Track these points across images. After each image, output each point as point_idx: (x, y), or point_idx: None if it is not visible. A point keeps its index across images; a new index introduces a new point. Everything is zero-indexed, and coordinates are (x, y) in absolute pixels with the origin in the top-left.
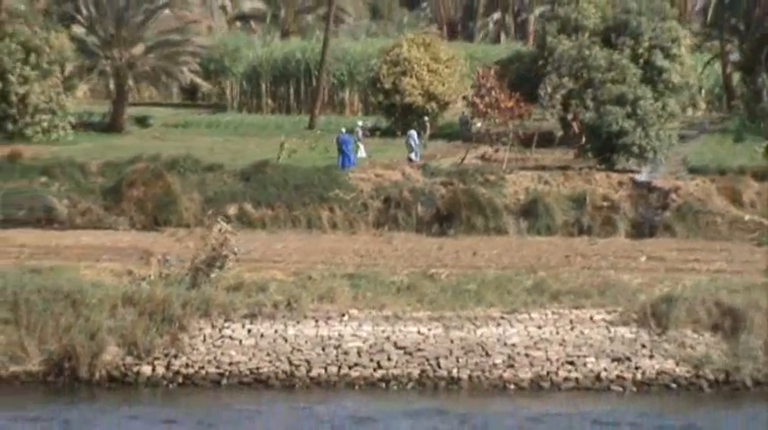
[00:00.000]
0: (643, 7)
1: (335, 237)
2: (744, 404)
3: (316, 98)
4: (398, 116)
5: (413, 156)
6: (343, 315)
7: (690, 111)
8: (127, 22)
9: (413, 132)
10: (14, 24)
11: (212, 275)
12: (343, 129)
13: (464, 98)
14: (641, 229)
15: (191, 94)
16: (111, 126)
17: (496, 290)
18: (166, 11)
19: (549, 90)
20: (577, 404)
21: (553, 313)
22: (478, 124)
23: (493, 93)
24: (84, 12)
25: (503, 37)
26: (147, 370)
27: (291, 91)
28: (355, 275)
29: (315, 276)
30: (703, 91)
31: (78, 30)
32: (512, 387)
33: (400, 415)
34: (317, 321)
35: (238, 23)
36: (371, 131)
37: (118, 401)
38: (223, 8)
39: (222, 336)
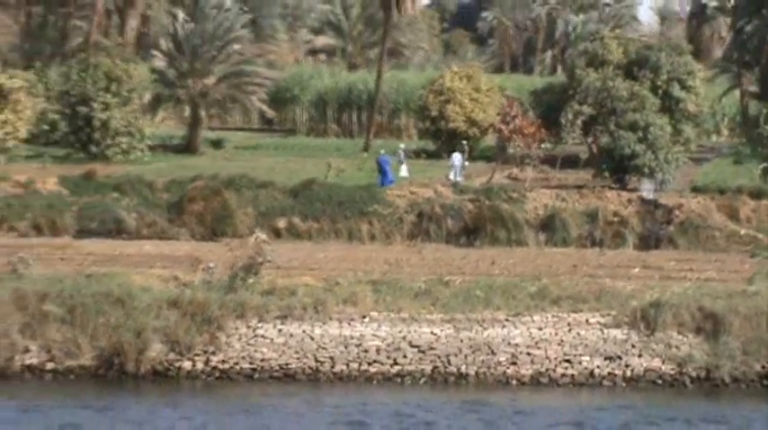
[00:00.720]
0: (662, 44)
1: (372, 247)
2: (722, 399)
3: (370, 124)
4: (444, 140)
5: (452, 175)
6: (365, 317)
7: (714, 137)
8: (200, 56)
9: (456, 154)
10: (98, 57)
11: (249, 281)
12: (383, 151)
13: (491, 126)
14: (647, 242)
15: (269, 119)
16: (187, 148)
17: (503, 295)
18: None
19: (570, 116)
20: (573, 397)
21: (553, 316)
22: (521, 145)
23: (516, 120)
24: (164, 48)
25: (559, 70)
26: (187, 365)
27: (354, 117)
28: (378, 281)
29: (342, 282)
30: (726, 118)
31: (158, 63)
32: (514, 382)
33: (414, 406)
34: (340, 322)
35: (323, 56)
36: (417, 154)
37: (161, 393)
38: (308, 42)
39: (255, 335)
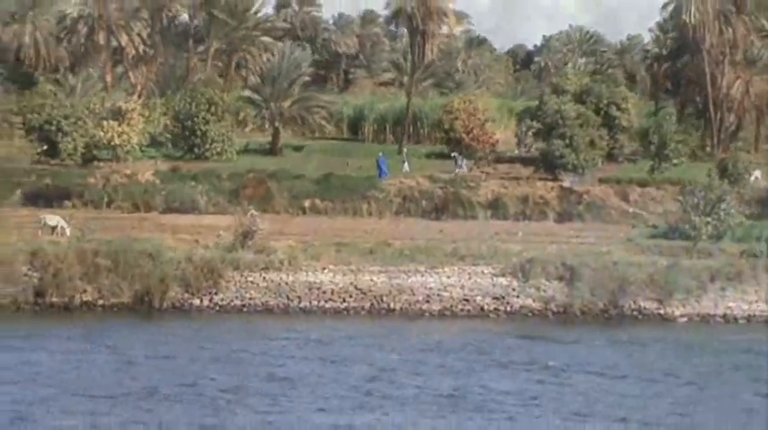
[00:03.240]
0: (604, 78)
1: (368, 220)
2: (575, 326)
3: (403, 134)
4: (453, 146)
5: (457, 170)
6: (324, 268)
7: None
8: (278, 86)
9: (455, 155)
10: (203, 88)
11: (247, 243)
12: (381, 153)
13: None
14: (563, 218)
15: (355, 131)
16: (270, 151)
17: (425, 253)
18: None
19: (524, 129)
20: (468, 325)
21: (459, 269)
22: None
23: (474, 131)
24: (252, 81)
25: None
26: (197, 302)
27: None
28: (341, 244)
29: (315, 244)
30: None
31: (249, 91)
32: (427, 315)
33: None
34: (307, 272)
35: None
36: (427, 156)
37: (178, 321)
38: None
39: (246, 281)
